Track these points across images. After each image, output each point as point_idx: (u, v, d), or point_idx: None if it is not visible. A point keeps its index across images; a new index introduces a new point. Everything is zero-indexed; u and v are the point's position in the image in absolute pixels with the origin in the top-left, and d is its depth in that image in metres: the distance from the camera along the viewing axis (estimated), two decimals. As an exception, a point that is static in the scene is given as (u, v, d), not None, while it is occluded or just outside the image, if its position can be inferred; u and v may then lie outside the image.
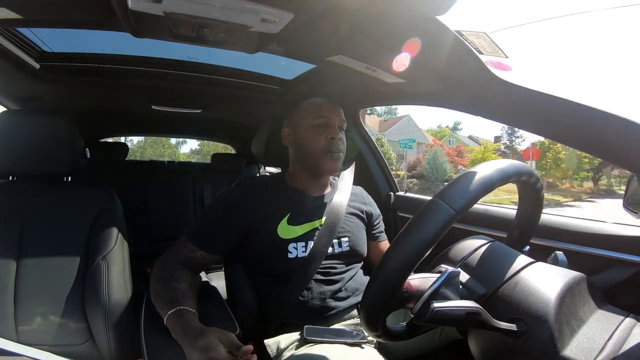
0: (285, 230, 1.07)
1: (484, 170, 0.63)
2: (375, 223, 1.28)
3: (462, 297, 0.63)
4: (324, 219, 1.12)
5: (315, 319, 1.02)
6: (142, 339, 0.88)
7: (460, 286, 0.66)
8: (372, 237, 1.26)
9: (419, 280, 0.65)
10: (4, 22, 0.87)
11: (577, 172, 24.09)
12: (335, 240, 1.10)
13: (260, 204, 1.08)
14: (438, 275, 0.63)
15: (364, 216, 1.24)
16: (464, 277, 0.69)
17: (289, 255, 1.05)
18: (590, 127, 0.76)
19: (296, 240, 1.07)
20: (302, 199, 1.13)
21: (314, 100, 1.17)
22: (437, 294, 0.60)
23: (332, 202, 1.15)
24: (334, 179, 1.27)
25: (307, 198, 1.14)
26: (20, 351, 0.76)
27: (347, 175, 1.31)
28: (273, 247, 1.06)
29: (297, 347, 0.95)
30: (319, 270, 1.06)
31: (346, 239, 1.13)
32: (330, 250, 1.09)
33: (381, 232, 1.30)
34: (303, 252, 1.06)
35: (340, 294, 1.08)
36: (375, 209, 1.30)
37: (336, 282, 1.08)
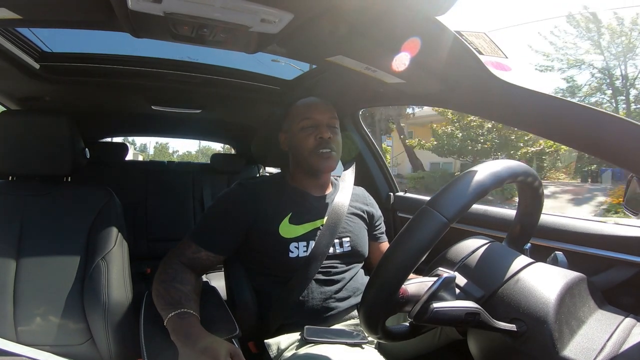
0: (287, 229, 1.07)
1: (476, 175, 0.62)
2: (376, 224, 1.28)
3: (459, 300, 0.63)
4: (325, 218, 1.12)
5: (316, 319, 1.02)
6: (142, 339, 0.88)
7: (458, 290, 0.66)
8: (373, 238, 1.26)
9: (415, 286, 0.65)
10: (3, 22, 0.87)
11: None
12: (336, 240, 1.10)
13: (262, 203, 1.08)
14: (434, 279, 0.63)
15: (365, 216, 1.24)
16: (461, 280, 0.69)
17: (290, 255, 1.05)
18: (590, 127, 0.76)
19: (297, 239, 1.07)
20: (304, 198, 1.14)
21: (302, 102, 1.17)
22: (434, 298, 0.60)
23: (334, 202, 1.15)
24: (335, 179, 1.27)
25: (309, 198, 1.14)
26: (20, 351, 0.76)
27: (349, 176, 1.31)
28: (274, 246, 1.05)
29: (298, 347, 0.95)
30: (319, 270, 1.06)
31: (347, 239, 1.13)
32: (331, 250, 1.08)
33: (382, 233, 1.30)
34: (304, 251, 1.06)
35: (341, 294, 1.08)
36: (376, 210, 1.30)
37: (337, 282, 1.08)
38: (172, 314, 0.88)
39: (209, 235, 1.06)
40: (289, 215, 1.08)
